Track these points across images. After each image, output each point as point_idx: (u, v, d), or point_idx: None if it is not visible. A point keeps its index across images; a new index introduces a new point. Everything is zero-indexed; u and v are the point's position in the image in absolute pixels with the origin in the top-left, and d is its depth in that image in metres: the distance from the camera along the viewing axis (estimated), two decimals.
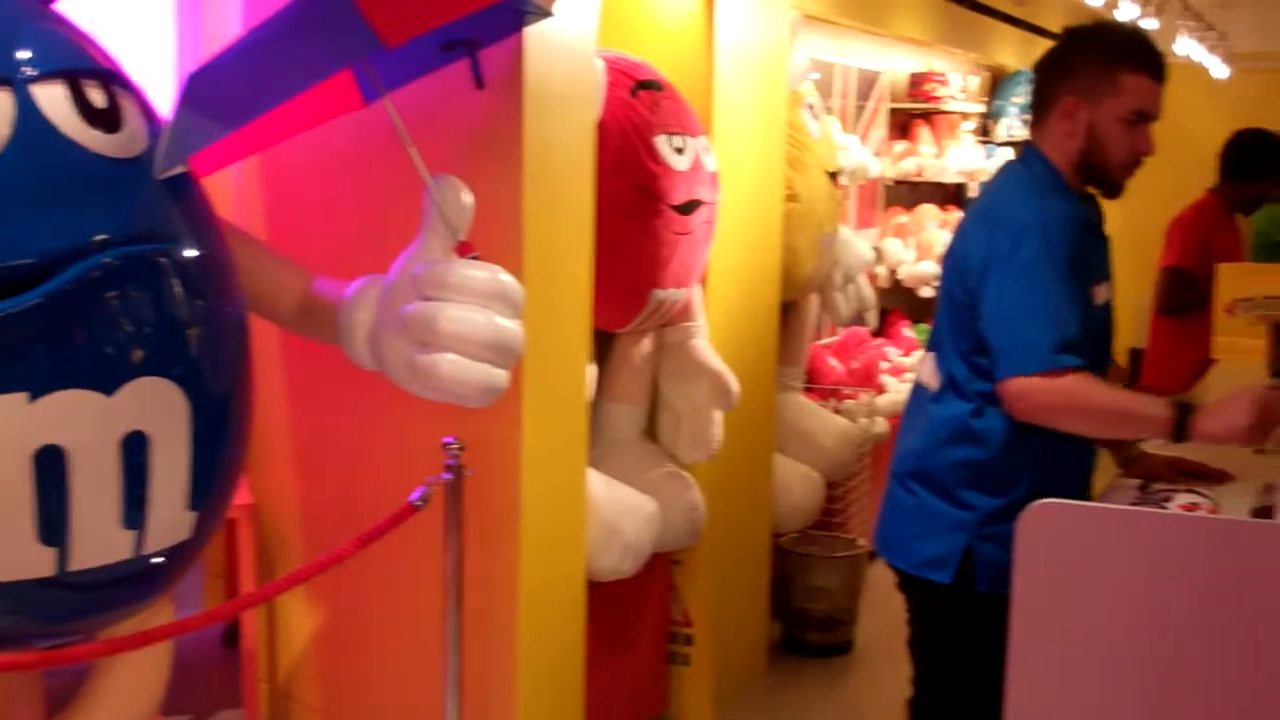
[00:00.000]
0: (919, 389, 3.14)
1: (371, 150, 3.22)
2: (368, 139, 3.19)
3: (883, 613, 5.64)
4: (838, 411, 5.70)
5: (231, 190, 3.68)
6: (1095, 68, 2.90)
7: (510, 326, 2.62)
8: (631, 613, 4.17)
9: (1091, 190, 3.04)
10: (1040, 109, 3.00)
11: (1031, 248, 2.80)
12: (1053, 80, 2.97)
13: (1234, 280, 5.20)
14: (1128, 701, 2.33)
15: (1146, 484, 2.95)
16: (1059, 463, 2.95)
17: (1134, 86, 2.89)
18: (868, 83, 6.97)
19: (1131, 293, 5.90)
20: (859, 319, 6.24)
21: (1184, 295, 5.75)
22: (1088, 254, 2.91)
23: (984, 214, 3.01)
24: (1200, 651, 2.26)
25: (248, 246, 2.77)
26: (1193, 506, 2.72)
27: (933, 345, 3.12)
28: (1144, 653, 2.30)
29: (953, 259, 3.03)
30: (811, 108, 5.20)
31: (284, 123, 2.87)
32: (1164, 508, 2.71)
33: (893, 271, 7.24)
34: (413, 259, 2.67)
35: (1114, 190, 3.00)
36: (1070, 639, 2.36)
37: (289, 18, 2.43)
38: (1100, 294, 2.97)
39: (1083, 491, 3.05)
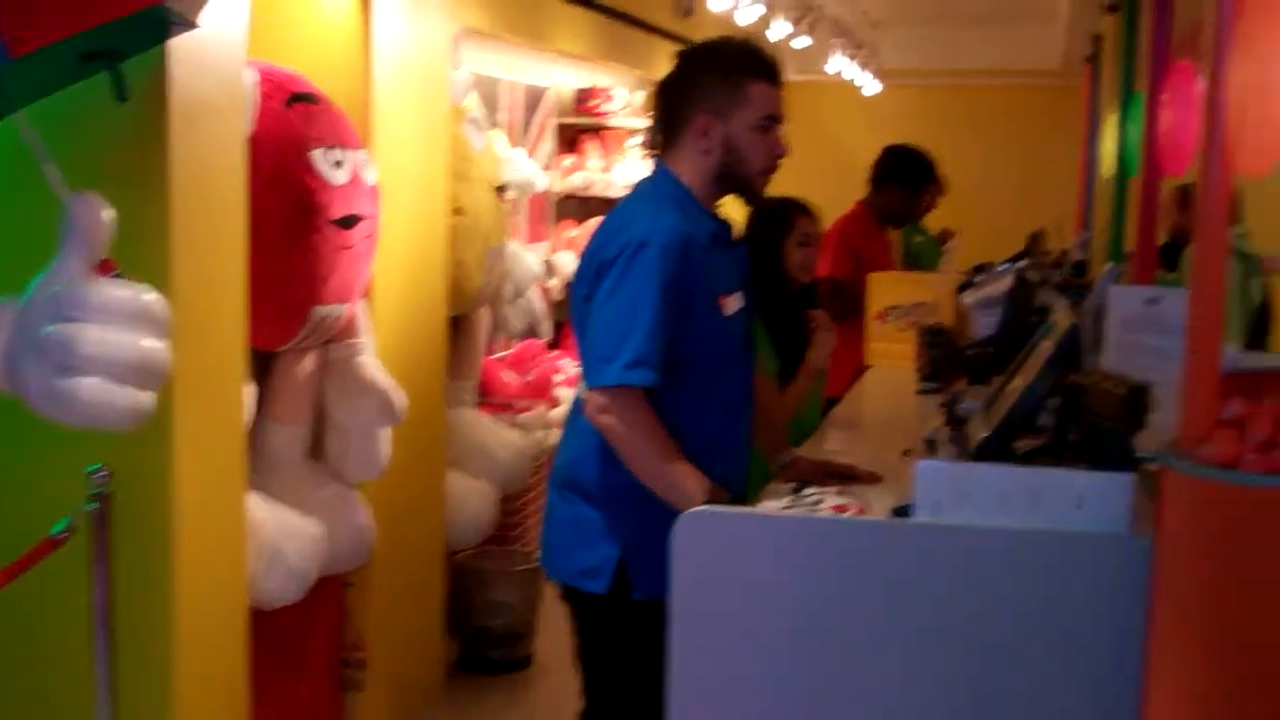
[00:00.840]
0: (577, 398, 3.17)
1: (5, 164, 3.06)
2: (2, 152, 3.04)
3: (561, 625, 5.66)
4: (513, 425, 5.71)
5: None
6: (721, 83, 2.99)
7: (156, 347, 2.54)
8: (301, 638, 4.08)
9: (724, 202, 3.13)
10: (671, 129, 3.06)
11: (631, 263, 2.86)
12: (681, 101, 3.04)
13: (884, 289, 5.44)
14: (787, 704, 2.39)
15: (800, 487, 3.03)
16: (711, 461, 2.99)
17: (760, 94, 2.99)
18: (534, 98, 7.02)
19: None
20: (531, 332, 6.27)
21: (836, 304, 5.95)
22: (710, 268, 2.97)
23: (605, 228, 3.07)
24: (854, 648, 2.34)
25: None
26: (843, 508, 2.82)
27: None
28: (801, 654, 2.36)
29: (580, 268, 3.06)
30: (475, 122, 5.20)
31: None
32: (816, 510, 2.80)
33: (566, 284, 7.30)
34: (51, 279, 2.56)
35: (756, 196, 3.11)
36: (729, 644, 2.40)
37: None
38: (730, 304, 3.04)
39: (740, 497, 3.12)
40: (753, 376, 3.22)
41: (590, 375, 2.90)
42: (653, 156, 3.18)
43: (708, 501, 2.77)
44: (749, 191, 3.09)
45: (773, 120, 3.02)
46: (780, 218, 4.21)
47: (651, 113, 3.18)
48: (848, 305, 5.87)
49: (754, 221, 4.08)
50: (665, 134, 3.08)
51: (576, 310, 3.06)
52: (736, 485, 3.13)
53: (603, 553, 2.99)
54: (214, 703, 3.34)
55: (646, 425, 2.87)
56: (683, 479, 2.87)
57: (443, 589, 5.07)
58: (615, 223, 3.04)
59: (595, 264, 2.94)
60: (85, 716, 3.02)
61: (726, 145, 2.99)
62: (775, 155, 3.04)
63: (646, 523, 2.87)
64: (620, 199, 3.25)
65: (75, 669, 3.13)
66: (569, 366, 6.71)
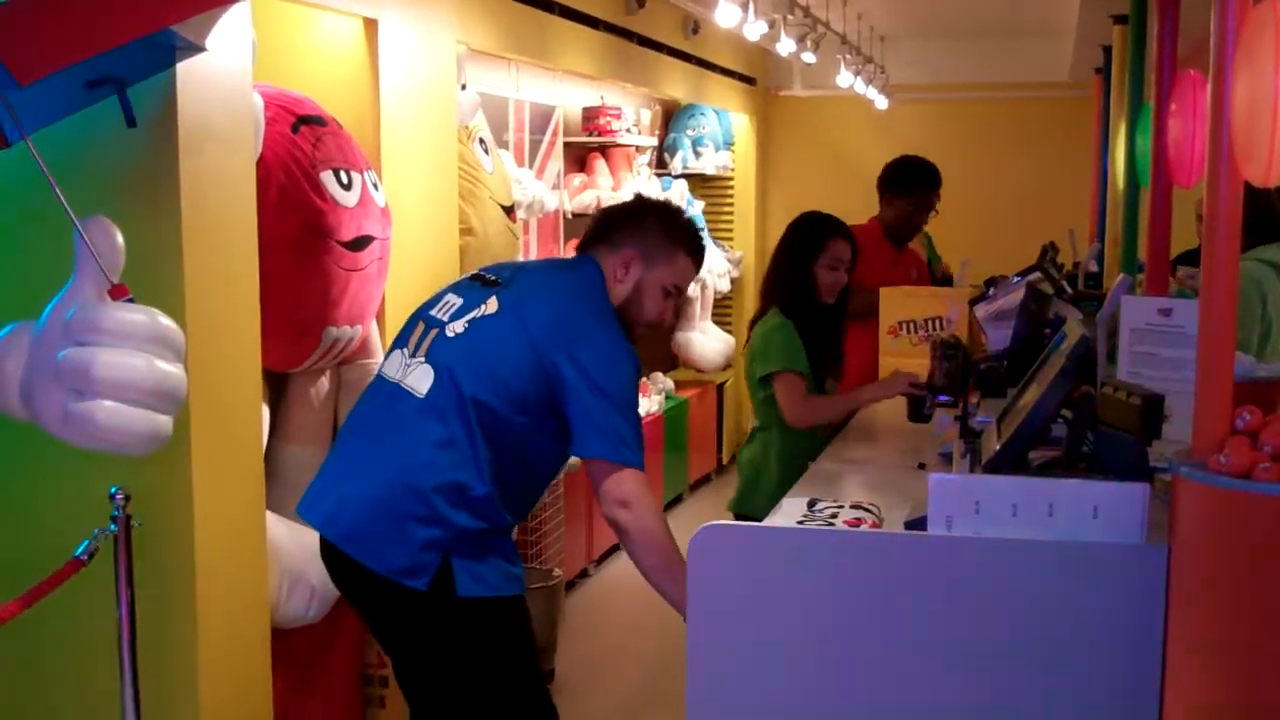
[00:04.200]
0: (399, 391, 3.09)
1: (18, 190, 3.08)
2: (13, 178, 3.05)
3: (581, 641, 5.67)
4: None
5: None
6: (660, 236, 3.24)
7: (172, 370, 2.55)
8: (322, 658, 4.08)
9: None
10: (603, 243, 3.26)
11: (612, 359, 3.05)
12: (621, 229, 3.26)
13: (897, 304, 5.42)
14: (802, 716, 2.38)
15: (814, 500, 3.04)
16: (532, 493, 3.25)
17: (684, 266, 3.28)
18: (543, 117, 7.03)
19: None
20: None
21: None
22: None
23: (561, 290, 3.18)
24: (870, 661, 2.34)
25: None
26: (857, 521, 2.82)
27: (447, 360, 3.07)
28: (816, 666, 2.36)
29: (533, 313, 3.08)
30: (484, 142, 5.21)
31: None
32: (831, 523, 2.80)
33: None
34: (64, 303, 2.57)
35: (630, 340, 3.22)
36: (744, 657, 2.40)
37: None
38: None
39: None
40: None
41: (612, 450, 2.99)
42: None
43: None
44: (629, 335, 3.23)
45: (678, 290, 3.28)
46: (815, 236, 4.40)
47: (591, 223, 3.36)
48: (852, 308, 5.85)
49: (791, 233, 4.40)
50: (595, 241, 3.28)
51: (498, 342, 3.07)
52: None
53: (429, 557, 2.98)
54: None
55: (662, 518, 3.06)
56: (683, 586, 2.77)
57: None
58: (569, 297, 3.16)
59: (564, 338, 3.03)
60: None
61: (638, 286, 3.20)
62: (663, 320, 3.30)
63: (471, 538, 3.00)
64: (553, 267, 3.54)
65: (100, 689, 3.14)
66: None
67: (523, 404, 3.00)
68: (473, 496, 2.96)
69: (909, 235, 6.10)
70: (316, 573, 3.66)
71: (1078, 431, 2.61)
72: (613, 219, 3.31)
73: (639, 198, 3.47)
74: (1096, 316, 3.43)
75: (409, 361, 3.08)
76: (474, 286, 3.19)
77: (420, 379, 3.06)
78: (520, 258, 5.67)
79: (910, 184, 6.03)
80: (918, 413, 4.20)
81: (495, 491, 2.99)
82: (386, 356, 3.17)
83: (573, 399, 2.98)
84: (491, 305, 3.11)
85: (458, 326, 3.08)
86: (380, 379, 3.15)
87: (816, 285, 4.36)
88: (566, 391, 2.98)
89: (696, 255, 3.31)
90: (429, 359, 3.05)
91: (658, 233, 3.22)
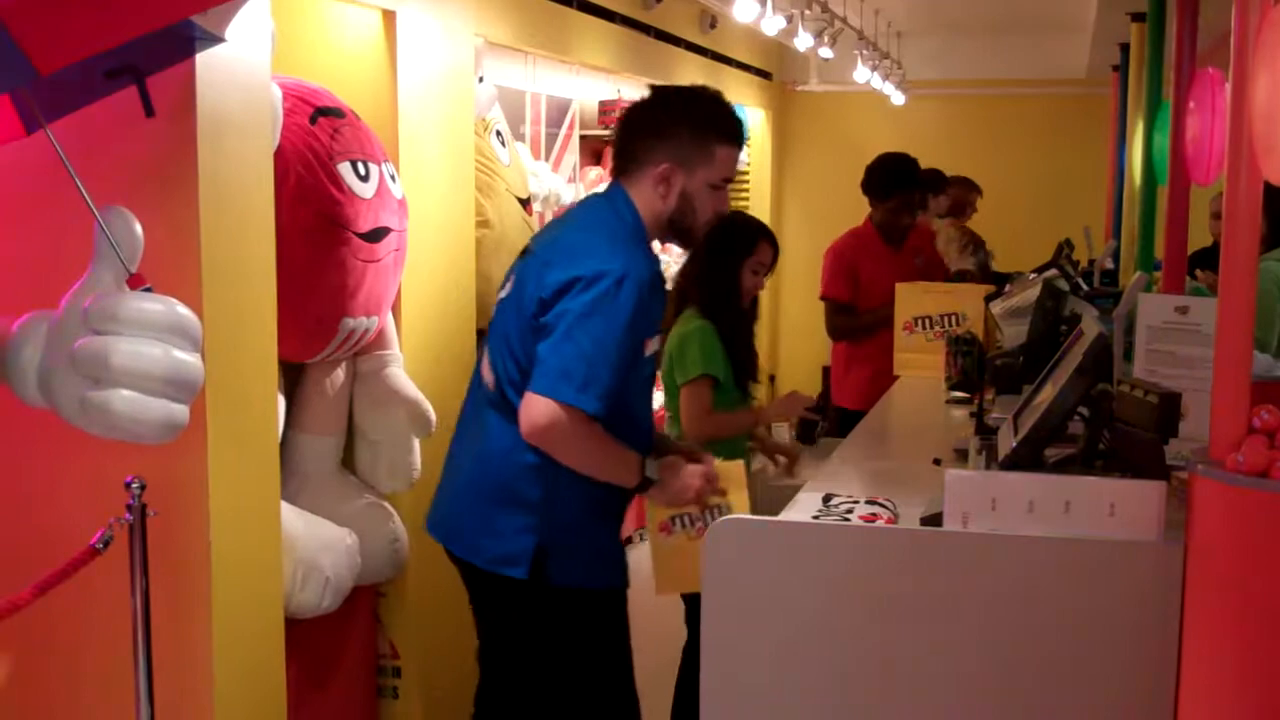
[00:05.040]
0: (476, 382, 3.22)
1: (37, 180, 3.08)
2: (32, 168, 3.06)
3: None
4: None
5: None
6: (690, 138, 3.10)
7: (189, 360, 2.55)
8: (336, 648, 4.09)
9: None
10: (631, 163, 3.15)
11: (610, 293, 2.94)
12: (647, 143, 3.13)
13: (913, 300, 5.42)
14: (816, 709, 2.39)
15: (829, 495, 3.04)
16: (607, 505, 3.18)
17: (724, 157, 3.13)
18: (559, 110, 7.04)
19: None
20: None
21: (838, 322, 5.93)
22: (652, 309, 3.08)
23: (570, 244, 3.13)
24: (884, 656, 2.34)
25: None
26: (873, 517, 2.82)
27: (495, 342, 3.18)
28: (830, 660, 2.37)
29: (531, 272, 3.11)
30: (500, 134, 5.21)
31: None
32: (846, 519, 2.81)
33: None
34: (82, 292, 2.58)
35: (693, 244, 3.28)
36: (760, 650, 2.41)
37: None
38: (650, 346, 3.15)
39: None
40: (652, 415, 3.34)
41: (545, 385, 2.94)
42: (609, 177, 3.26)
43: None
44: (689, 241, 3.24)
45: (727, 181, 3.15)
46: (745, 239, 4.29)
47: (615, 141, 3.26)
48: (850, 324, 5.85)
49: (719, 232, 4.08)
50: (623, 163, 3.17)
51: (512, 308, 3.11)
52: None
53: (523, 542, 3.06)
54: (251, 711, 3.35)
55: (590, 435, 2.97)
56: (623, 466, 3.04)
57: None
58: (580, 240, 3.11)
59: (564, 281, 2.99)
60: None
61: (683, 196, 3.10)
62: (720, 213, 3.20)
63: (569, 516, 3.06)
64: (574, 205, 3.32)
65: (113, 677, 3.15)
66: None
67: None
68: (544, 479, 3.03)
69: (901, 235, 6.04)
70: (330, 563, 3.68)
71: (1094, 429, 2.61)
72: (633, 134, 3.18)
73: (654, 92, 3.27)
74: (1113, 314, 3.43)
75: (484, 350, 3.20)
76: (516, 262, 3.25)
77: (485, 368, 3.19)
78: None
79: (888, 187, 5.99)
80: (808, 435, 4.24)
81: (565, 471, 3.01)
82: None
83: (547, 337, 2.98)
84: (509, 284, 3.19)
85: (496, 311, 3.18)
86: (475, 371, 3.27)
87: (740, 287, 4.27)
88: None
89: (734, 138, 3.16)
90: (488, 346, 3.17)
91: (686, 133, 3.10)
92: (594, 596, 3.13)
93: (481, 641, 3.36)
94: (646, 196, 3.11)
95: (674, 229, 3.14)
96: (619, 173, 3.19)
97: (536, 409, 2.92)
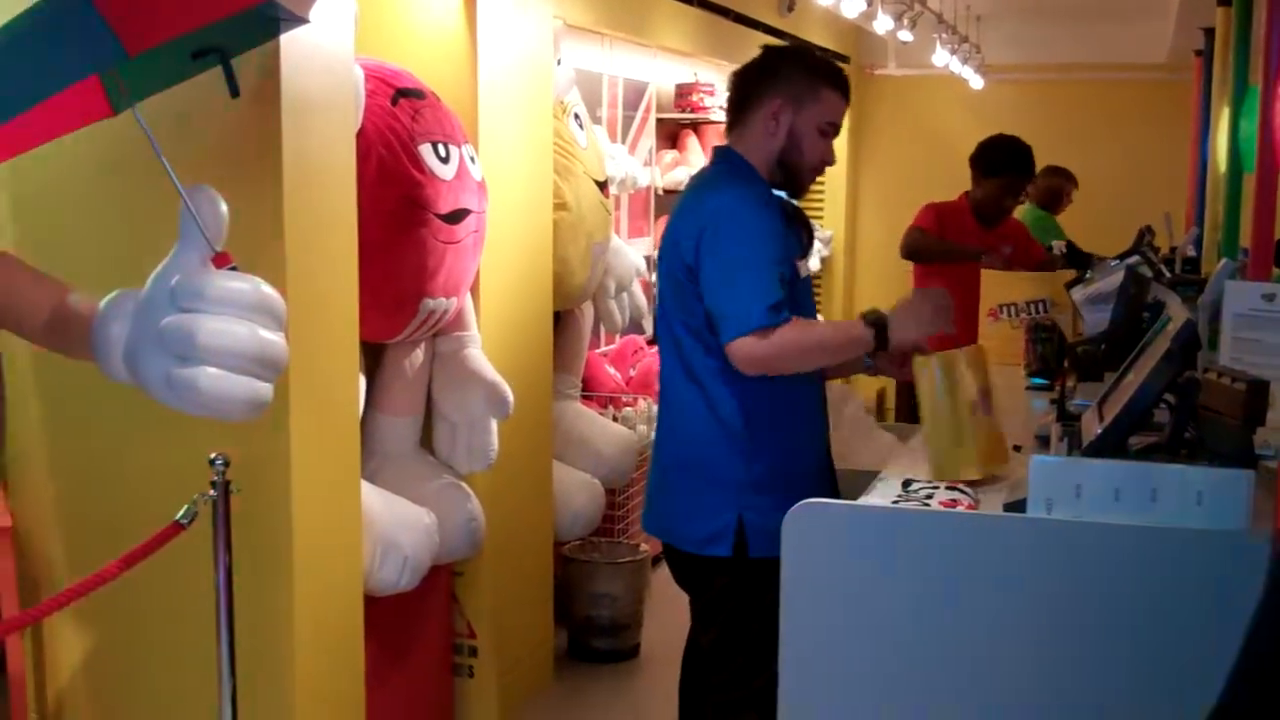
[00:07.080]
0: (661, 377, 3.33)
1: (124, 159, 3.12)
2: (120, 147, 3.09)
3: (667, 617, 5.67)
4: (616, 419, 5.73)
5: None
6: (801, 78, 3.21)
7: (273, 339, 2.56)
8: (413, 626, 4.12)
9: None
10: (742, 112, 3.26)
11: (732, 222, 3.07)
12: (759, 86, 3.24)
13: (998, 287, 5.38)
14: (895, 694, 2.38)
15: (909, 480, 3.02)
16: (797, 424, 3.24)
17: (832, 101, 3.23)
18: (636, 93, 7.03)
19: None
20: (633, 327, 6.28)
21: (917, 237, 5.85)
22: (779, 223, 3.16)
23: (688, 204, 3.24)
24: (964, 642, 2.33)
25: None
26: (953, 503, 2.80)
27: (662, 329, 3.29)
28: (909, 646, 2.36)
29: (668, 245, 3.22)
30: (578, 117, 5.22)
31: (28, 131, 2.76)
32: (926, 504, 2.79)
33: None
34: (168, 271, 2.60)
35: (800, 191, 3.29)
36: (839, 635, 2.41)
37: (28, 24, 2.35)
38: (804, 267, 3.28)
39: (825, 448, 3.31)
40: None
41: (728, 330, 3.01)
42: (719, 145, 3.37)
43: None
44: (796, 185, 3.27)
45: (834, 127, 3.24)
46: None
47: (729, 94, 3.35)
48: (927, 242, 5.78)
49: None
50: (735, 116, 3.28)
51: (670, 287, 3.21)
52: (823, 432, 3.35)
53: (721, 518, 3.13)
54: (332, 687, 3.39)
55: (796, 335, 3.01)
56: (846, 332, 3.14)
57: (551, 579, 5.10)
58: (692, 200, 3.24)
59: (695, 236, 3.09)
60: (207, 700, 3.07)
61: (792, 133, 3.19)
62: (825, 160, 3.26)
63: (755, 484, 3.13)
64: (688, 186, 3.45)
65: (197, 652, 3.19)
66: None
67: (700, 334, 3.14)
68: (725, 446, 3.13)
69: (997, 217, 5.96)
70: (409, 541, 3.71)
71: (1181, 416, 2.58)
72: (747, 81, 3.29)
73: (766, 50, 3.38)
74: (1198, 301, 3.39)
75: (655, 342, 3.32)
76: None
77: (659, 356, 3.35)
78: (612, 233, 5.67)
79: (999, 166, 5.86)
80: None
81: (746, 434, 3.13)
82: None
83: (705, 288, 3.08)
84: (657, 271, 3.34)
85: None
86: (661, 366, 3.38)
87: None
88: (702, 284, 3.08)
89: (842, 88, 3.26)
90: None
91: (798, 74, 3.22)
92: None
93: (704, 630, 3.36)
94: (757, 138, 3.22)
95: (780, 169, 3.22)
96: (730, 128, 3.29)
97: (740, 355, 3.01)
